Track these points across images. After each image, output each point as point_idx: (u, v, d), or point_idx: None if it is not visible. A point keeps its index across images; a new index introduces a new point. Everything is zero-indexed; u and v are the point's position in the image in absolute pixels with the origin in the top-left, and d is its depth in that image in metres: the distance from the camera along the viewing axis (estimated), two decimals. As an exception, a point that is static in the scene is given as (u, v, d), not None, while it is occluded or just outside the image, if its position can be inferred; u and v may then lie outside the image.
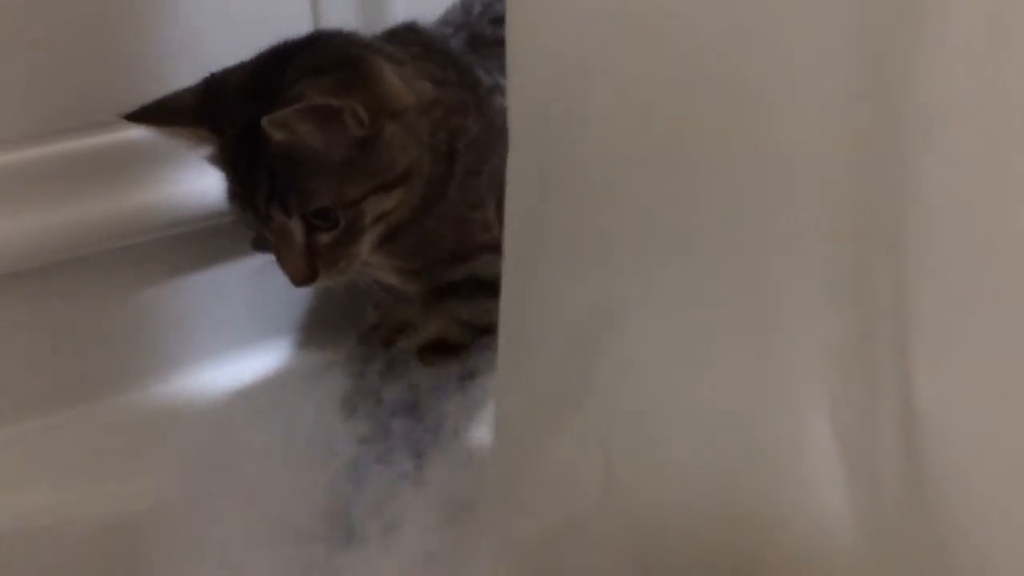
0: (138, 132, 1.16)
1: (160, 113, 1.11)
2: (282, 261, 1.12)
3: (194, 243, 1.26)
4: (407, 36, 1.20)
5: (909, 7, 0.72)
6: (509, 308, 0.91)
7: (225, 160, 1.12)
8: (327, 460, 1.13)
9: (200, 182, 1.20)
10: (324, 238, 1.09)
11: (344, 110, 1.04)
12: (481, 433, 1.06)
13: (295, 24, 1.21)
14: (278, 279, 1.18)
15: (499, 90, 1.19)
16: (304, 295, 1.33)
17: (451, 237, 1.18)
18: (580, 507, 0.90)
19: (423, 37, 1.21)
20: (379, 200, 1.09)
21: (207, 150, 1.13)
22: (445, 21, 1.27)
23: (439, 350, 1.23)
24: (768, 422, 0.83)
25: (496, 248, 0.93)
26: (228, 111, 1.11)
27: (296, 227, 1.08)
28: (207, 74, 1.13)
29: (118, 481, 1.15)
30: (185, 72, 1.16)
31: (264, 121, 1.02)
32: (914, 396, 0.77)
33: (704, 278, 0.84)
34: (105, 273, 1.22)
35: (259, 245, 1.24)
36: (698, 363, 0.85)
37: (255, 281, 1.25)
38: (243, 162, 1.10)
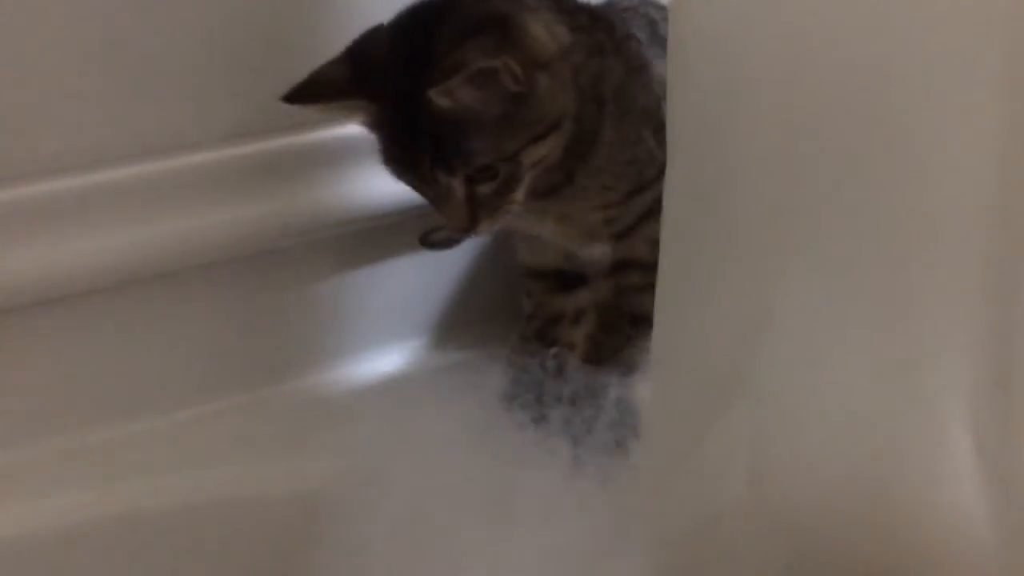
0: (330, 133, 1.19)
1: (316, 90, 1.10)
2: (443, 212, 1.12)
3: (361, 240, 1.27)
4: None
5: None
6: (665, 308, 0.93)
7: (383, 127, 1.11)
8: (487, 445, 1.13)
9: (370, 183, 1.21)
10: (484, 189, 1.09)
11: (501, 69, 1.03)
12: (637, 425, 1.06)
13: None
14: (439, 275, 1.19)
15: (634, 38, 1.18)
16: (462, 293, 1.34)
17: (626, 177, 1.17)
18: (727, 502, 0.91)
19: None
20: (535, 148, 1.09)
21: (363, 118, 1.12)
22: None
23: (602, 338, 1.23)
24: (911, 427, 0.84)
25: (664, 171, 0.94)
26: (381, 79, 1.10)
27: (458, 183, 1.08)
28: (353, 42, 1.12)
29: (298, 458, 1.17)
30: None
31: (432, 93, 1.02)
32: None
33: (854, 285, 0.84)
34: (296, 264, 1.24)
35: (429, 243, 1.26)
36: (846, 367, 0.86)
37: (418, 276, 1.29)
38: (403, 129, 1.09)
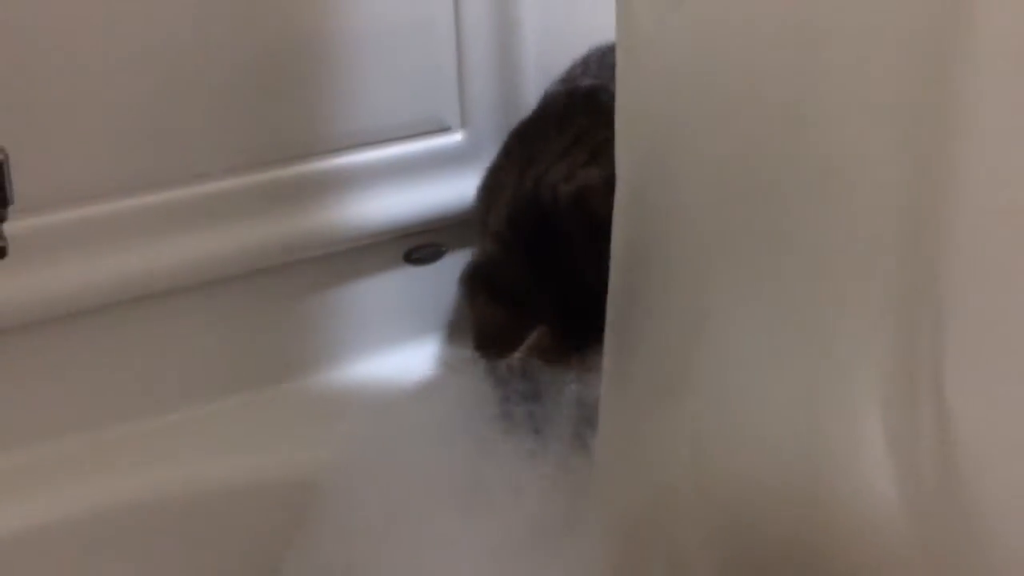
0: (326, 163, 1.20)
1: (501, 343, 1.12)
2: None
3: (350, 258, 1.27)
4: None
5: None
6: (616, 314, 0.92)
7: (558, 338, 1.10)
8: (462, 438, 1.12)
9: (358, 208, 1.23)
10: None
11: None
12: (592, 418, 1.05)
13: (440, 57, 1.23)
14: (421, 289, 1.19)
15: None
16: (453, 298, 1.34)
17: None
18: (670, 484, 0.91)
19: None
20: None
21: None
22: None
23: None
24: (831, 417, 0.83)
25: None
26: (546, 303, 1.10)
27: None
28: (469, 274, 1.16)
29: (296, 450, 1.17)
30: (349, 117, 1.19)
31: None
32: (946, 396, 0.77)
33: (782, 294, 0.84)
34: (295, 279, 1.25)
35: (412, 259, 1.26)
36: (775, 365, 0.86)
37: (402, 289, 1.30)
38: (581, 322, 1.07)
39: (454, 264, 1.30)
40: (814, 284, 0.83)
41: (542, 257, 1.10)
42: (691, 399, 0.89)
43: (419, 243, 1.28)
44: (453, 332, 1.34)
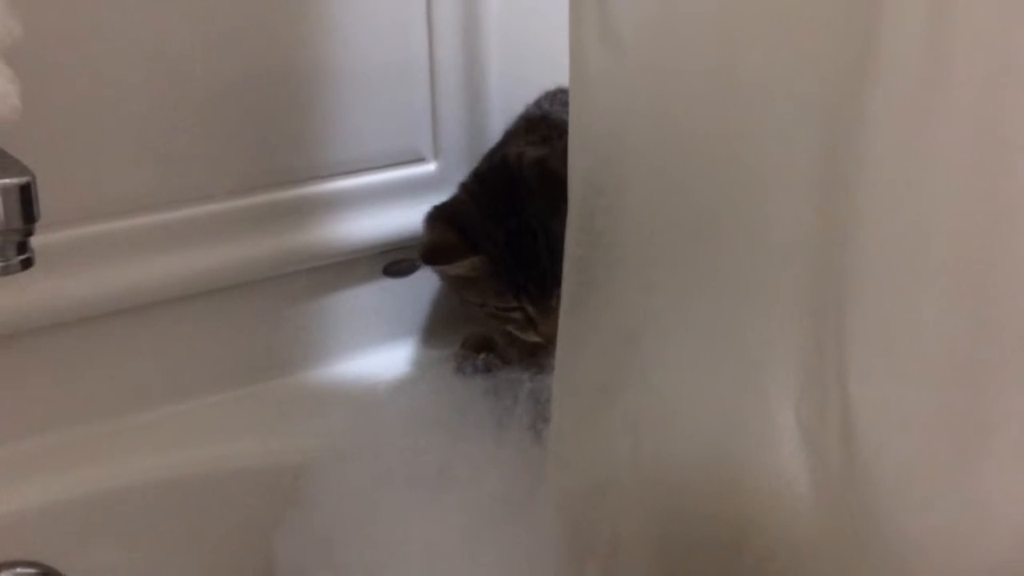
0: (315, 188, 1.20)
1: (442, 256, 1.12)
2: (536, 327, 1.11)
3: (337, 270, 1.27)
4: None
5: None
6: (565, 327, 0.93)
7: (495, 270, 1.10)
8: (433, 427, 1.13)
9: (344, 227, 1.23)
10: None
11: None
12: (545, 411, 1.06)
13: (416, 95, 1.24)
14: (398, 298, 1.21)
15: None
16: (426, 306, 1.35)
17: None
18: (615, 469, 0.92)
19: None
20: None
21: (469, 274, 1.12)
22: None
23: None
24: (750, 414, 0.85)
25: None
26: (485, 234, 1.10)
27: (556, 296, 1.05)
28: (432, 211, 1.15)
29: (286, 438, 1.17)
30: (336, 147, 1.20)
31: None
32: (849, 396, 0.78)
33: (708, 304, 0.86)
34: (288, 288, 1.24)
35: (390, 272, 1.26)
36: (702, 368, 0.87)
37: (381, 298, 1.30)
38: (518, 264, 1.09)
39: (427, 277, 1.31)
40: (735, 294, 0.84)
41: (500, 205, 1.11)
42: (629, 396, 0.90)
43: (396, 258, 1.29)
44: (427, 336, 1.35)
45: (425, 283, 1.33)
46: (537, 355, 1.16)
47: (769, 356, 0.83)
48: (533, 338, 1.14)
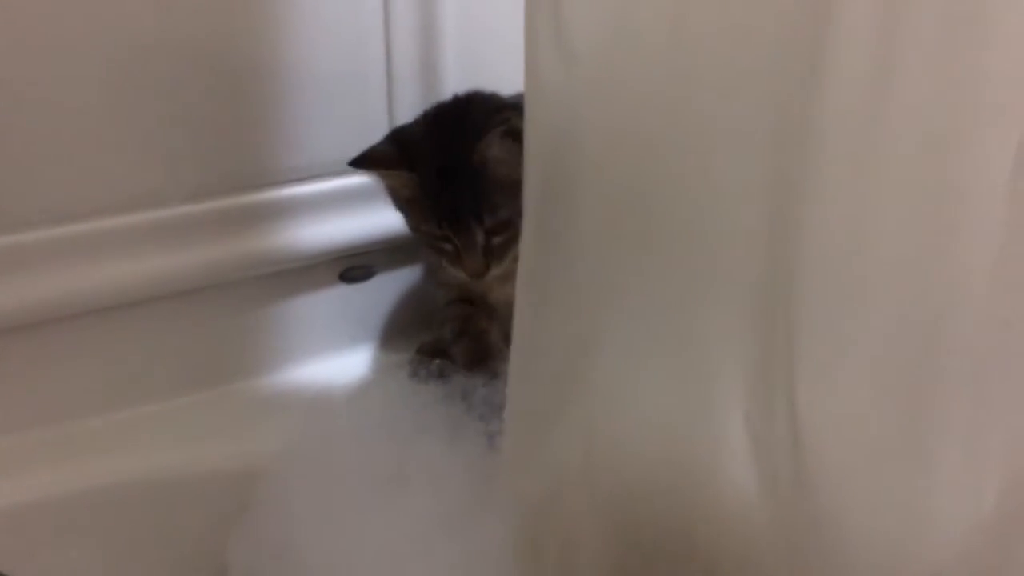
0: (272, 194, 1.20)
1: (373, 163, 1.12)
2: (462, 261, 1.12)
3: (295, 276, 1.27)
4: None
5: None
6: (520, 334, 0.92)
7: (424, 192, 1.12)
8: (390, 431, 1.12)
9: (302, 232, 1.22)
10: (497, 240, 1.10)
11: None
12: (499, 417, 1.06)
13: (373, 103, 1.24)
14: (364, 301, 1.19)
15: None
16: (382, 312, 1.34)
17: None
18: (567, 476, 0.92)
19: None
20: None
21: (402, 190, 1.14)
22: None
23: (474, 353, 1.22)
24: (700, 421, 0.84)
25: None
26: (423, 155, 1.10)
27: (481, 234, 1.09)
28: (390, 131, 1.16)
29: (248, 442, 1.15)
30: (293, 154, 1.19)
31: (479, 146, 1.05)
32: (798, 407, 0.78)
33: (654, 319, 0.85)
34: (245, 293, 1.24)
35: (346, 278, 1.25)
36: (651, 380, 0.86)
37: (338, 303, 1.29)
38: (442, 190, 1.10)
39: (383, 283, 1.31)
40: (685, 301, 0.83)
41: (445, 136, 1.12)
42: (583, 403, 0.89)
43: (352, 264, 1.28)
44: (383, 342, 1.34)
45: (381, 289, 1.32)
46: (486, 359, 1.17)
47: (718, 363, 0.82)
48: (462, 276, 1.15)
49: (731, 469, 0.83)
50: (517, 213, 1.00)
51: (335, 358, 1.30)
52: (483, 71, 1.26)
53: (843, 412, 0.77)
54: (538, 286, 0.90)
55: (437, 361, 1.22)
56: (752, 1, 0.74)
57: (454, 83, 1.25)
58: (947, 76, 0.69)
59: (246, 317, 1.25)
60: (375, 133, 1.17)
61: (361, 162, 1.12)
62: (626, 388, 0.88)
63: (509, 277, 1.14)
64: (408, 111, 1.25)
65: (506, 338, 1.17)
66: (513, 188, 0.95)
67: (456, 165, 1.09)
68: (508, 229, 1.10)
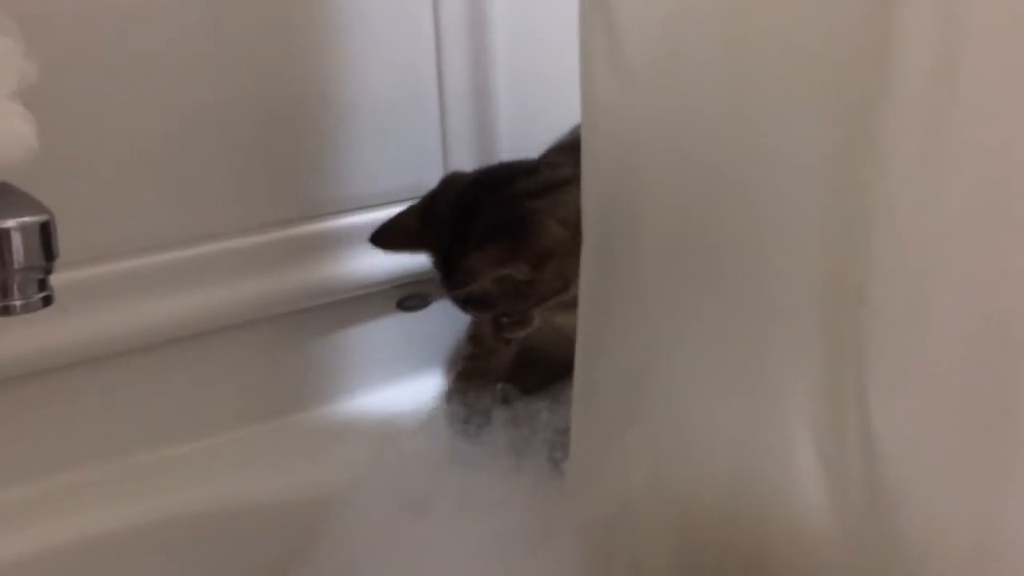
0: (329, 224, 1.21)
1: (392, 240, 1.13)
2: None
3: (355, 305, 1.27)
4: None
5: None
6: (583, 353, 0.92)
7: (439, 265, 1.12)
8: (452, 458, 1.12)
9: (360, 262, 1.22)
10: (504, 319, 1.11)
11: (512, 274, 1.03)
12: (563, 441, 1.05)
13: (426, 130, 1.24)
14: (423, 328, 1.21)
15: None
16: (441, 340, 1.33)
17: None
18: (632, 498, 0.91)
19: None
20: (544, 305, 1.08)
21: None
22: None
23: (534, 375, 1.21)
24: (769, 440, 0.83)
25: None
26: (437, 237, 1.10)
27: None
28: (431, 192, 1.14)
29: (310, 472, 1.15)
30: (348, 183, 1.20)
31: (455, 295, 1.05)
32: (871, 424, 0.76)
33: (724, 331, 0.84)
34: (303, 324, 1.24)
35: (404, 307, 1.25)
36: (719, 394, 0.85)
37: (398, 332, 1.30)
38: (447, 280, 1.10)
39: (440, 311, 1.29)
40: (752, 320, 0.82)
41: (458, 226, 1.10)
42: (647, 423, 0.89)
43: (409, 293, 1.28)
44: (443, 370, 1.33)
45: (439, 318, 1.31)
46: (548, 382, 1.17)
47: (787, 382, 0.81)
48: None
49: (802, 490, 0.81)
50: (516, 313, 1.05)
51: (395, 387, 1.30)
52: (537, 92, 1.26)
53: (919, 428, 0.76)
54: (601, 310, 0.90)
55: (500, 385, 1.21)
56: (811, 14, 0.73)
57: (508, 106, 1.26)
58: (1011, 80, 0.68)
59: (305, 348, 1.25)
60: (429, 159, 1.18)
61: (378, 240, 1.13)
62: (691, 407, 0.87)
63: (570, 304, 1.14)
64: (461, 136, 1.25)
65: (568, 362, 1.18)
66: (507, 299, 0.99)
67: (456, 265, 1.08)
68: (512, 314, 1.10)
